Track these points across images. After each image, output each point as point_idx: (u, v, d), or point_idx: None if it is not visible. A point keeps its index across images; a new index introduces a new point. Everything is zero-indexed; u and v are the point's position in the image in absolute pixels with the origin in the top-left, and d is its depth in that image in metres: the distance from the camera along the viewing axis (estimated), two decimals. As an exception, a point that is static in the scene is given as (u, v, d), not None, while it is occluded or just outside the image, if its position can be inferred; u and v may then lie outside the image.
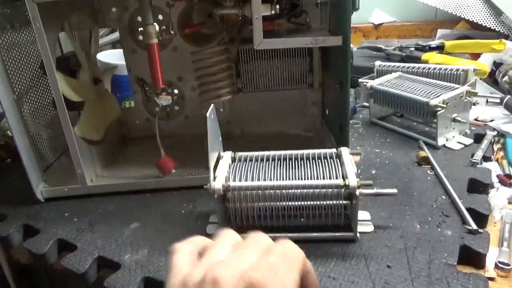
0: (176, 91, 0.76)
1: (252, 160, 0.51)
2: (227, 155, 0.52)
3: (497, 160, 0.65)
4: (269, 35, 0.53)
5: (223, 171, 0.48)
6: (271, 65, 0.68)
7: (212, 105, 0.48)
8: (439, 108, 0.65)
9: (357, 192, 0.44)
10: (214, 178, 0.47)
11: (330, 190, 0.45)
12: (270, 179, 0.47)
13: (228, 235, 0.31)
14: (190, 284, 0.26)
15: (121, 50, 0.84)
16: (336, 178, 0.46)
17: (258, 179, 0.47)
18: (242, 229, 0.46)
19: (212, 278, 0.25)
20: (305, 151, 0.51)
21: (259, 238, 0.30)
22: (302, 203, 0.46)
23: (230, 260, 0.27)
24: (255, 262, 0.27)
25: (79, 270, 0.47)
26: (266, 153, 0.52)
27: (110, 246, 0.51)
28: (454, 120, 0.67)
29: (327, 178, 0.46)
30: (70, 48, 0.71)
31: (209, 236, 0.50)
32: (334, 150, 0.51)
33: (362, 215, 0.51)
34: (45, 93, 0.66)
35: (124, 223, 0.55)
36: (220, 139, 0.53)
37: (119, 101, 0.83)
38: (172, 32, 0.59)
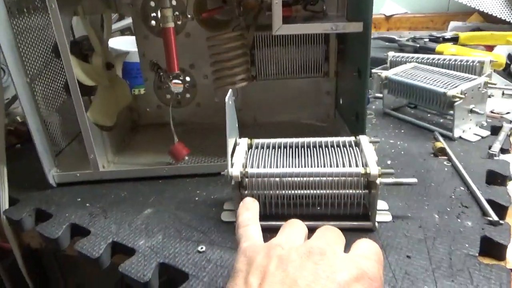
0: (188, 78, 0.75)
1: (269, 147, 0.50)
2: (244, 142, 0.51)
3: (514, 153, 0.64)
4: (286, 21, 0.52)
5: (240, 157, 0.47)
6: (286, 52, 0.67)
7: (230, 90, 0.47)
8: (457, 99, 0.63)
9: (378, 181, 0.43)
10: (232, 164, 0.46)
11: (350, 178, 0.44)
12: (288, 167, 0.46)
13: (298, 223, 0.36)
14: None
15: (130, 37, 0.83)
16: (356, 166, 0.45)
17: (276, 166, 0.46)
18: (259, 216, 0.46)
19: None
20: (323, 139, 0.51)
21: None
22: (320, 191, 0.46)
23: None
24: (363, 254, 0.31)
25: (93, 255, 0.47)
26: (283, 140, 0.51)
27: (124, 231, 0.50)
28: (471, 111, 0.66)
29: (347, 166, 0.45)
30: (82, 33, 0.70)
31: (225, 223, 0.50)
32: (352, 138, 0.50)
33: (380, 204, 0.50)
34: (56, 77, 0.65)
35: (137, 209, 0.54)
36: (237, 125, 0.52)
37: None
38: (189, 16, 0.57)
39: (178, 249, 0.46)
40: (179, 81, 0.61)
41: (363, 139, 0.49)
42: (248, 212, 0.39)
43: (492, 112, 0.76)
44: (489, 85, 0.66)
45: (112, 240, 0.49)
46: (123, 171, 0.61)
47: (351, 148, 0.48)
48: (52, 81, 0.64)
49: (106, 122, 0.64)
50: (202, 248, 0.46)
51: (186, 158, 0.62)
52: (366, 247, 0.32)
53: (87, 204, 0.56)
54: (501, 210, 0.49)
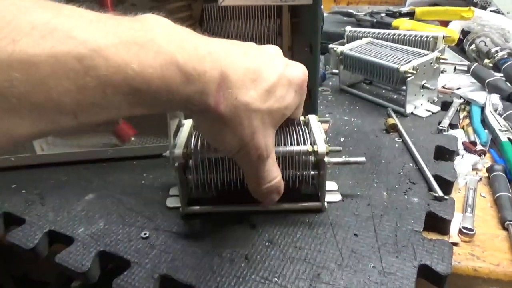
0: (135, 53, 0.70)
1: (216, 127, 0.48)
2: (188, 123, 0.48)
3: (462, 128, 0.66)
4: (234, -9, 0.49)
5: (184, 138, 0.45)
6: (238, 26, 0.63)
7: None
8: (409, 75, 0.63)
9: (326, 159, 0.42)
10: (174, 145, 0.44)
11: (298, 157, 0.43)
12: (235, 147, 0.44)
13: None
14: None
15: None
16: (304, 144, 0.43)
17: (222, 147, 0.44)
18: (205, 200, 0.44)
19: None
20: (272, 117, 0.49)
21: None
22: (269, 171, 0.44)
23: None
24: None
25: (27, 246, 0.44)
26: (231, 119, 0.48)
27: (63, 219, 0.47)
28: (423, 87, 0.66)
29: (294, 145, 0.43)
30: None
31: (170, 209, 0.48)
32: (301, 117, 0.49)
33: (330, 185, 0.49)
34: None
35: (78, 194, 0.51)
36: (181, 104, 0.49)
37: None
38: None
39: (120, 236, 0.44)
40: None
41: (312, 118, 0.48)
42: None
43: (443, 87, 0.77)
44: (441, 61, 0.66)
45: (49, 228, 0.45)
46: (63, 154, 0.57)
47: (299, 128, 0.46)
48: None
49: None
50: (145, 234, 0.44)
51: (133, 139, 0.59)
52: None
53: (23, 191, 0.52)
54: (446, 185, 0.50)
